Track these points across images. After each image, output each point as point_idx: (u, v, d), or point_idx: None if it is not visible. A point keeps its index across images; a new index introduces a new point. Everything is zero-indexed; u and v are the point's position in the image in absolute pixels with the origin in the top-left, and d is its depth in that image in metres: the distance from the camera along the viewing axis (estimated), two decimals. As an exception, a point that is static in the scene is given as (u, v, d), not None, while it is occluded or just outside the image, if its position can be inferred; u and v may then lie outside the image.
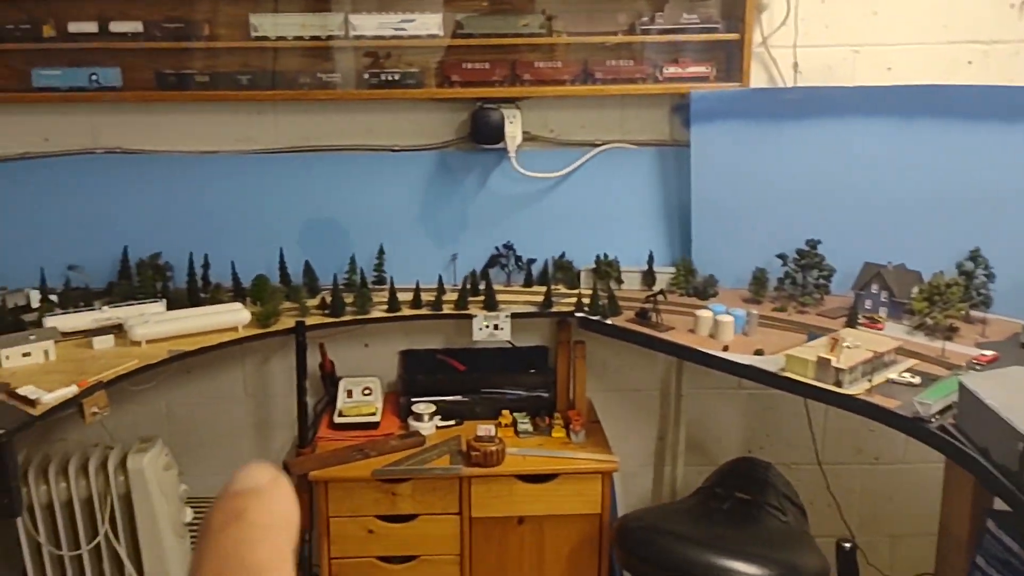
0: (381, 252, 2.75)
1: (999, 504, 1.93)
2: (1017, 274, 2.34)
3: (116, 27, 2.55)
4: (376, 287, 2.70)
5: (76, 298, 2.56)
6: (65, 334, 2.36)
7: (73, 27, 2.54)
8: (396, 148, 2.77)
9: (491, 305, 2.63)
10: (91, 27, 2.55)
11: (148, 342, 2.36)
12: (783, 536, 2.30)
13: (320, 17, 2.57)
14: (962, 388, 1.87)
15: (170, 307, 2.52)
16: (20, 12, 2.56)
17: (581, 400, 2.79)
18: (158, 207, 2.73)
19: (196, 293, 2.61)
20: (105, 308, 2.46)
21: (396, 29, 2.58)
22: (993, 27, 2.71)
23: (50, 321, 2.39)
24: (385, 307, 2.62)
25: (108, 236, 2.70)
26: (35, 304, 2.55)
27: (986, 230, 2.45)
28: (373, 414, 2.69)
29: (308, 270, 2.71)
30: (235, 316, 2.47)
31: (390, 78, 2.62)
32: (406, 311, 2.62)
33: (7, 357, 2.23)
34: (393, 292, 2.62)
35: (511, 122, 2.67)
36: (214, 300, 2.60)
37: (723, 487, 2.43)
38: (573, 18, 2.64)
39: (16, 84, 2.61)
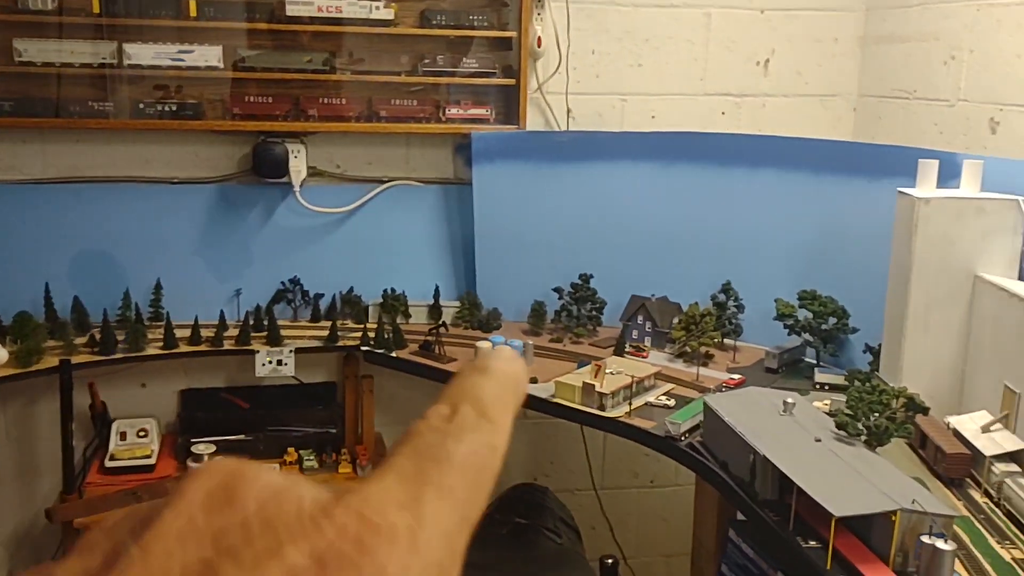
0: (158, 287, 2.66)
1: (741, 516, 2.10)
2: (764, 305, 2.57)
3: None
4: (153, 323, 2.60)
5: None
6: None
7: None
8: (175, 180, 2.71)
9: (274, 340, 2.60)
10: None
11: None
12: (556, 557, 2.40)
13: (91, 44, 2.49)
14: (706, 408, 2.03)
15: (-85, 346, 2.33)
16: None
17: (369, 434, 2.80)
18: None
19: (-53, 331, 2.43)
20: None
21: (174, 60, 2.54)
22: (742, 82, 3.00)
23: None
24: (161, 344, 2.53)
25: None
26: None
27: (737, 265, 2.68)
28: (148, 456, 2.59)
29: (77, 306, 2.59)
30: (-10, 355, 2.32)
31: (168, 108, 2.57)
32: (184, 348, 2.55)
33: None
34: (169, 328, 2.54)
35: (295, 156, 2.68)
36: (-32, 338, 2.43)
37: (502, 512, 2.50)
38: (358, 56, 2.69)
39: None
